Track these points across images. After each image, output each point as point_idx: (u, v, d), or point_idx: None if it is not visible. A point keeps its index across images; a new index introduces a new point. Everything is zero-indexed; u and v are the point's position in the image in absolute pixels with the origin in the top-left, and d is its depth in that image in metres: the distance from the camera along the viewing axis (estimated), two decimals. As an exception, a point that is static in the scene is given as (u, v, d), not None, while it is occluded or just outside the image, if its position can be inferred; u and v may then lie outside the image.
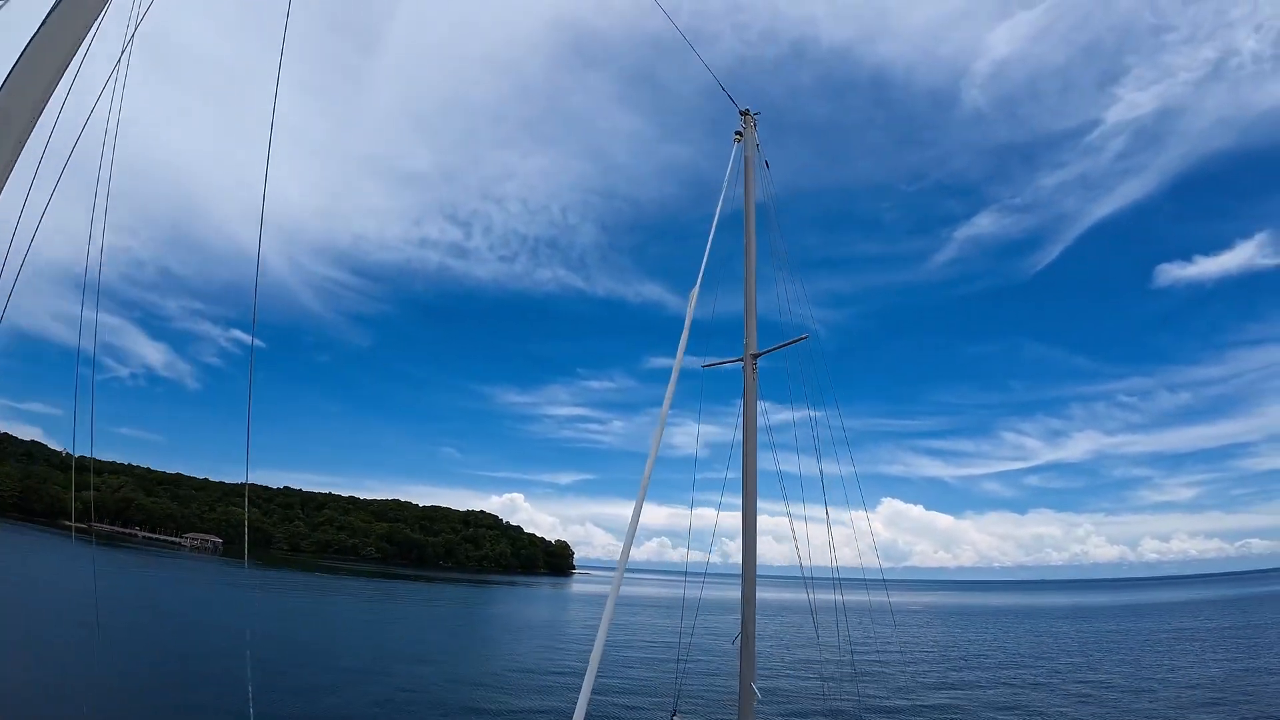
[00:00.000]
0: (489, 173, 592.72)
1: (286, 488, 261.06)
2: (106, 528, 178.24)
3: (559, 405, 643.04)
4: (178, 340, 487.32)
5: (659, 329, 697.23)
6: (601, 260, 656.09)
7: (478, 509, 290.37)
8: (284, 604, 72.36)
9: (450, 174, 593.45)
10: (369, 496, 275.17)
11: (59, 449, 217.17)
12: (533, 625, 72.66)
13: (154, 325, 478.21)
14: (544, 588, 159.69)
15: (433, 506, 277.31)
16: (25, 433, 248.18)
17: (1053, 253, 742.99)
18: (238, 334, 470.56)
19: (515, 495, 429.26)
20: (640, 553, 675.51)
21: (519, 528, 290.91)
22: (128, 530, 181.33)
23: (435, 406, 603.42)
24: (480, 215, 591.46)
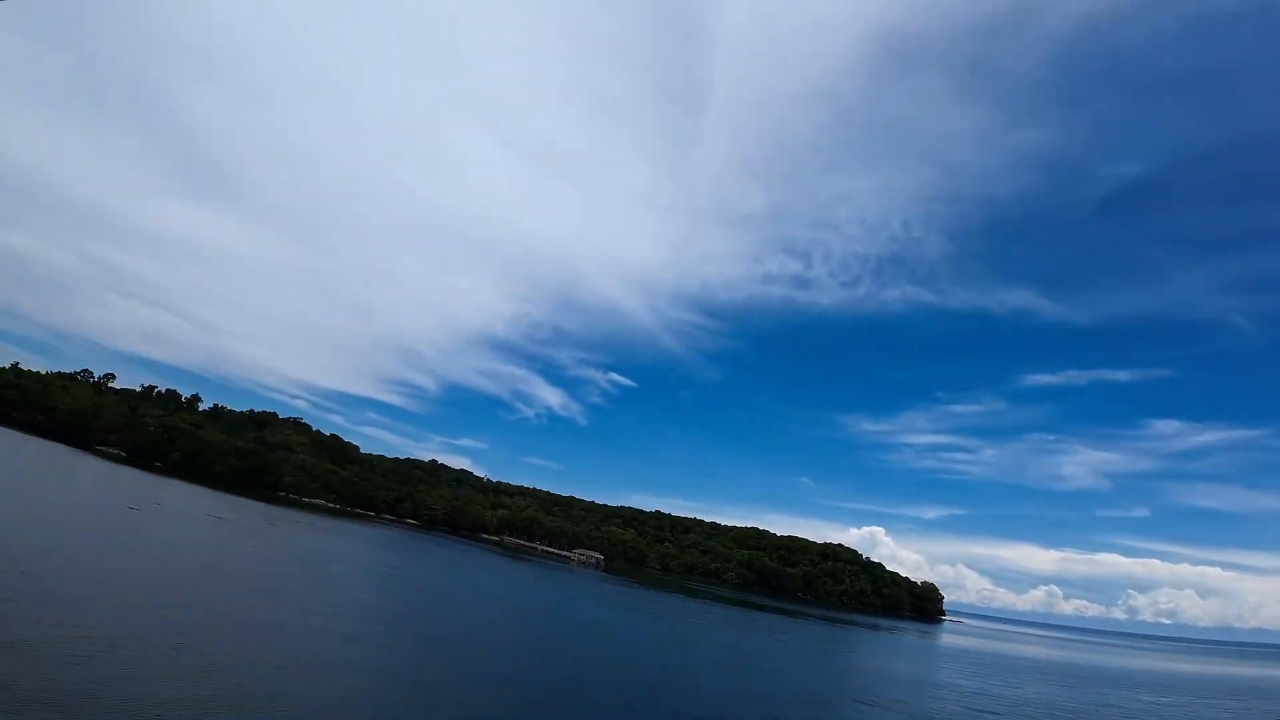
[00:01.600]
0: (821, 199, 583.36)
1: (658, 512, 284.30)
2: (514, 541, 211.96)
3: (918, 433, 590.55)
4: (570, 385, 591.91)
5: (1031, 340, 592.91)
6: (954, 271, 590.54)
7: (835, 541, 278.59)
8: (639, 624, 73.34)
9: (783, 210, 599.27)
10: (730, 523, 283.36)
11: (482, 475, 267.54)
12: (912, 684, 62.05)
13: (551, 374, 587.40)
14: (911, 635, 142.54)
15: (790, 537, 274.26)
16: (456, 463, 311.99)
17: None
18: (615, 376, 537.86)
19: (875, 529, 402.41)
20: (1022, 602, 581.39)
21: (880, 564, 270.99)
22: (531, 544, 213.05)
23: (787, 436, 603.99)
24: (818, 243, 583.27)
